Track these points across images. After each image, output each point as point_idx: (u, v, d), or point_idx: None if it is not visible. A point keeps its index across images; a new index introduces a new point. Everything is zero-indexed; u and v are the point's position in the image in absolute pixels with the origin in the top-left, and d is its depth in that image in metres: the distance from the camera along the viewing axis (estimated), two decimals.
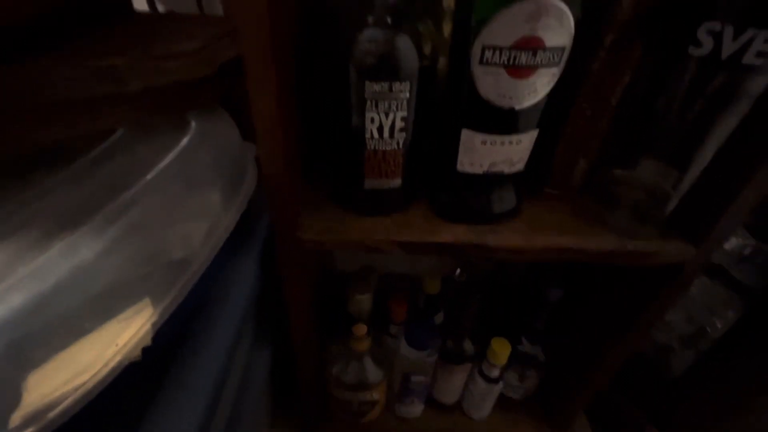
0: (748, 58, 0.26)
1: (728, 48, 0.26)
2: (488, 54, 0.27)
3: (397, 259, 0.71)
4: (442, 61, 0.32)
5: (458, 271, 0.59)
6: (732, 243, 0.82)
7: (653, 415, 0.64)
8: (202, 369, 0.30)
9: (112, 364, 0.22)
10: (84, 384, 0.21)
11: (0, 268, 0.21)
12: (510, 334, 0.55)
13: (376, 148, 0.32)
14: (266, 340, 0.49)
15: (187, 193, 0.32)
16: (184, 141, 0.33)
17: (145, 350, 0.25)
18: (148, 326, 0.24)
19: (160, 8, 0.69)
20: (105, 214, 0.25)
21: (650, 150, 0.36)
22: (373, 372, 0.54)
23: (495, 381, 0.56)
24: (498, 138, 0.32)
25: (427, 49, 0.31)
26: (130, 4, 0.41)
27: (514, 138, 0.32)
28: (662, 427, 0.62)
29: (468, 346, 0.55)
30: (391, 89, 0.29)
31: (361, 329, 0.50)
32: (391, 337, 0.60)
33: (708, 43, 0.27)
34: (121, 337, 0.23)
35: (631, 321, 0.43)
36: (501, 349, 0.53)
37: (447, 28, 0.31)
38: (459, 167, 0.34)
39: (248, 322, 0.39)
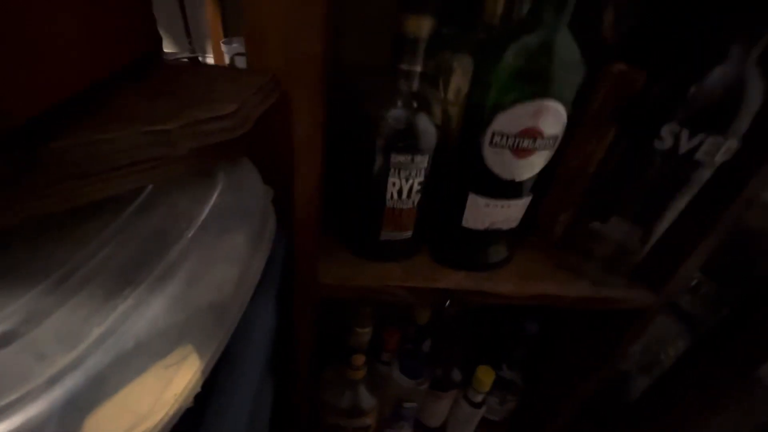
0: (699, 155, 0.33)
1: (684, 146, 0.33)
2: (497, 138, 0.32)
3: None
4: (452, 136, 0.37)
5: (447, 302, 0.64)
6: None
7: None
8: (233, 416, 0.32)
9: (172, 412, 0.25)
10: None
11: (78, 326, 0.23)
12: (492, 361, 0.60)
13: (395, 207, 0.36)
14: (272, 375, 0.51)
15: (221, 242, 0.34)
16: (216, 193, 0.36)
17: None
18: (198, 374, 0.27)
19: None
20: (161, 269, 0.28)
21: (620, 211, 0.42)
22: (366, 399, 0.58)
23: (479, 406, 0.60)
24: (499, 202, 0.37)
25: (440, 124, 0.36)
26: (161, 54, 0.43)
27: (513, 203, 0.37)
28: None
29: (456, 375, 0.59)
30: (413, 160, 0.34)
31: (360, 359, 0.53)
32: (383, 364, 0.64)
33: (669, 140, 0.33)
34: (176, 384, 0.26)
35: (597, 358, 0.50)
36: (486, 377, 0.58)
37: (455, 110, 0.36)
38: (464, 224, 0.39)
39: (267, 363, 0.41)
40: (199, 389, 0.27)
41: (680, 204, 0.37)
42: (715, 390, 0.58)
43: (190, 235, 0.31)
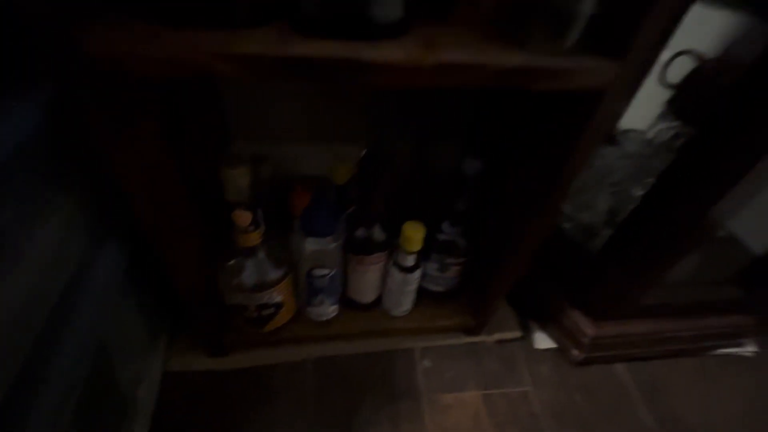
0: None
1: None
2: None
3: (300, 154, 0.61)
4: None
5: (364, 151, 0.51)
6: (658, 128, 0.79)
7: (574, 296, 0.63)
8: None
9: None
10: None
11: None
12: (430, 220, 0.49)
13: None
14: (108, 232, 0.39)
15: None
16: None
17: None
18: None
19: None
20: None
21: None
22: (270, 270, 0.47)
23: (411, 270, 0.51)
24: None
25: None
26: None
27: None
28: (581, 305, 0.62)
29: (378, 234, 0.48)
30: None
31: (244, 217, 0.41)
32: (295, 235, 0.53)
33: None
34: None
35: (552, 173, 0.38)
36: (414, 234, 0.47)
37: None
38: None
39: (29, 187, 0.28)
40: None
41: None
42: (673, 234, 0.50)
43: None
